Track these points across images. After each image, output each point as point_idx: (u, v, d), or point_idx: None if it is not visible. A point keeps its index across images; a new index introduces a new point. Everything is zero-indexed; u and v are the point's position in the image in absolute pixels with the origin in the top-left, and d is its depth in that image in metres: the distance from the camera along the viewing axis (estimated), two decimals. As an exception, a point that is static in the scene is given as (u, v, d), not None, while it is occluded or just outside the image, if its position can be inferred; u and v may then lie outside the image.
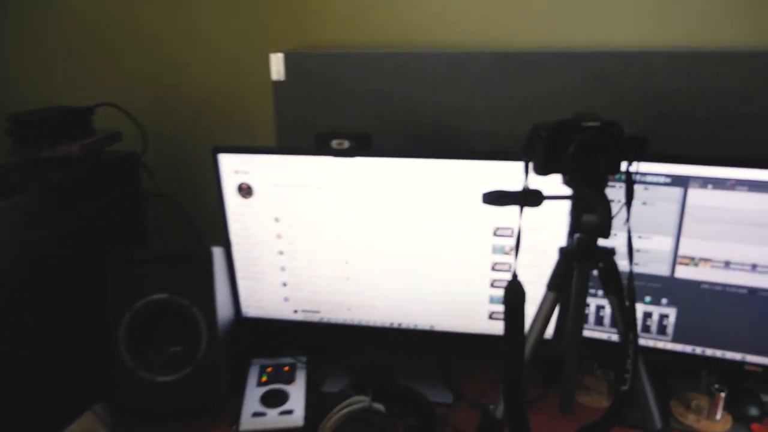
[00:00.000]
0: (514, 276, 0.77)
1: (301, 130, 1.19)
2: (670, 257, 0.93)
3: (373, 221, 1.03)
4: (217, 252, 1.06)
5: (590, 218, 0.75)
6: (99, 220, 1.08)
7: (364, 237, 1.04)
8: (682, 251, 0.92)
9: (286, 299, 1.13)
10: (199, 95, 1.32)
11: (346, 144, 0.98)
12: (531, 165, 0.76)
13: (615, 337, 1.01)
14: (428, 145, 1.15)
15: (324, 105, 1.17)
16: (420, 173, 0.99)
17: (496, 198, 0.77)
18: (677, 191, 0.90)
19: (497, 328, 1.06)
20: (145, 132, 1.22)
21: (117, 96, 1.25)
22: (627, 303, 0.78)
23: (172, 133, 1.35)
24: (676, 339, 0.97)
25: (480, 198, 0.76)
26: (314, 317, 1.14)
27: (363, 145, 0.99)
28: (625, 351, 0.77)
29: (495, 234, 1.00)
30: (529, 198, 0.77)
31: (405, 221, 1.02)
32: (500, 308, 1.04)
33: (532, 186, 0.75)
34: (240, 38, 1.26)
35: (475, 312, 1.06)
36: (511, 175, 0.95)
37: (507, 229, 0.99)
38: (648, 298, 0.96)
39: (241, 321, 1.15)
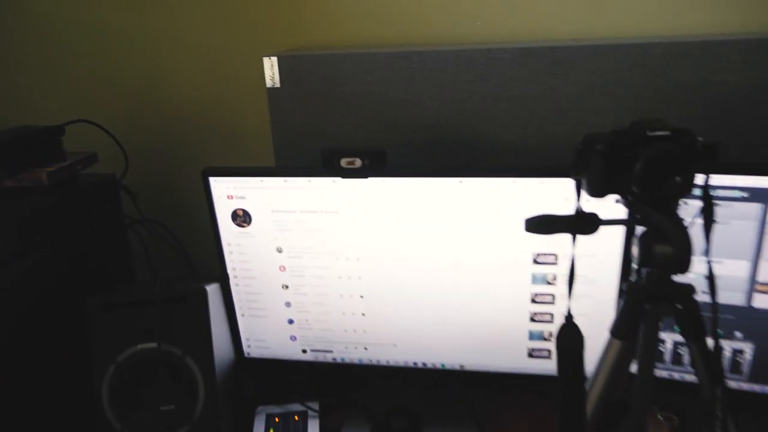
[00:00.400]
0: (569, 318, 0.65)
1: (301, 143, 1.06)
2: (746, 284, 0.80)
3: (391, 249, 0.90)
4: (212, 290, 0.93)
5: (664, 249, 0.62)
6: (76, 256, 0.97)
7: (380, 267, 0.92)
8: (761, 277, 0.79)
9: (293, 338, 1.00)
10: (184, 106, 1.18)
11: (357, 163, 0.84)
12: (584, 184, 0.64)
13: (677, 376, 0.87)
14: (449, 159, 1.01)
15: (326, 114, 1.04)
16: (444, 194, 0.86)
17: (542, 224, 0.67)
18: (756, 207, 0.77)
19: (538, 367, 0.92)
20: (125, 151, 1.09)
21: (90, 110, 1.11)
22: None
23: (155, 151, 1.21)
24: (753, 378, 0.84)
25: (520, 222, 0.66)
26: (326, 357, 1.01)
27: (377, 164, 0.85)
28: (712, 410, 0.64)
29: (535, 261, 0.86)
30: (584, 224, 0.65)
31: (428, 249, 0.89)
32: (542, 345, 0.92)
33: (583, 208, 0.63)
34: (228, 40, 1.11)
35: (512, 349, 0.93)
36: (550, 193, 0.83)
37: (549, 255, 0.86)
38: (719, 332, 0.83)
39: (242, 362, 1.02)
